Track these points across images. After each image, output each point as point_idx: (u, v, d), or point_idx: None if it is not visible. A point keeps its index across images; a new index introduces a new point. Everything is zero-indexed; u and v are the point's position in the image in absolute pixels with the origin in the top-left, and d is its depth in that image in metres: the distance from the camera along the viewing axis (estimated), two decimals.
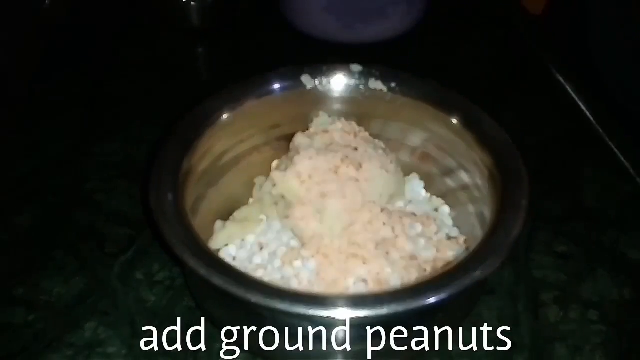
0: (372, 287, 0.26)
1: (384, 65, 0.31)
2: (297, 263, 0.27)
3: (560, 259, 0.32)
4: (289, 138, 0.31)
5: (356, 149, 0.29)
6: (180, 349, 0.28)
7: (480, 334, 0.28)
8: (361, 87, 0.31)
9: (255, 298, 0.21)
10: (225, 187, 0.30)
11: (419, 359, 0.27)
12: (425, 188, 0.32)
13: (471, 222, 0.29)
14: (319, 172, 0.28)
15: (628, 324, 0.29)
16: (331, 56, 0.45)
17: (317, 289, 0.26)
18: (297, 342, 0.25)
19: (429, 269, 0.27)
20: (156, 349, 0.28)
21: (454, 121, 0.29)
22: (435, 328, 0.26)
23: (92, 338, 0.28)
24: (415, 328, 0.25)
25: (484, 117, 0.29)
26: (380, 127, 0.32)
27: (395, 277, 0.26)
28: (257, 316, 0.25)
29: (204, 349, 0.28)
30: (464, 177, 0.30)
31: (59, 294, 0.30)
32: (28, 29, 0.48)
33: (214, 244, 0.28)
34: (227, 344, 0.27)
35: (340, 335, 0.24)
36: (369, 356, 0.25)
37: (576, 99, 0.43)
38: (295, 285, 0.26)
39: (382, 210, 0.28)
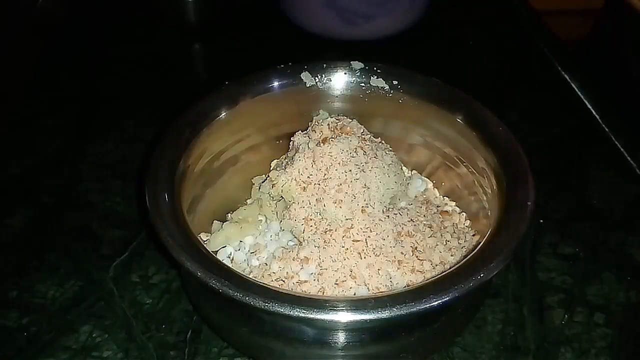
0: (373, 290, 0.25)
1: (385, 62, 0.31)
2: (297, 265, 0.26)
3: (566, 261, 0.32)
4: (288, 137, 0.31)
5: (357, 148, 0.28)
6: (177, 352, 0.27)
7: (484, 337, 0.28)
8: (362, 84, 0.31)
9: (254, 301, 0.21)
10: (222, 187, 0.30)
11: None
12: (428, 187, 0.32)
13: (476, 223, 0.29)
14: (319, 172, 0.27)
15: (634, 327, 0.29)
16: (331, 53, 0.44)
17: (318, 291, 0.25)
18: (296, 345, 0.24)
19: (432, 270, 0.26)
20: (152, 352, 0.27)
21: (458, 120, 0.29)
22: (438, 331, 0.25)
23: (88, 341, 0.28)
24: (417, 331, 0.25)
25: (489, 115, 0.28)
26: (382, 126, 0.32)
27: (398, 278, 0.25)
28: (256, 319, 0.24)
29: (201, 352, 0.27)
30: (469, 176, 0.29)
31: (54, 297, 0.29)
32: (23, 27, 0.48)
33: (211, 246, 0.28)
34: (225, 347, 0.27)
35: (341, 337, 0.24)
36: (370, 358, 0.25)
37: (582, 97, 0.43)
38: (294, 287, 0.25)
39: (384, 210, 0.27)
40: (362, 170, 0.27)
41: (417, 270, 0.26)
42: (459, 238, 0.28)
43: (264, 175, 0.31)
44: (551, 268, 0.31)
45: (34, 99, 0.42)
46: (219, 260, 0.24)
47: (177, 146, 0.27)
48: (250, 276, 0.26)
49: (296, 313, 0.21)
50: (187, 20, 0.48)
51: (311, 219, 0.27)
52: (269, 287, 0.22)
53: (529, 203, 0.24)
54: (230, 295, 0.21)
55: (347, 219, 0.26)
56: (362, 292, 0.25)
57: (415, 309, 0.21)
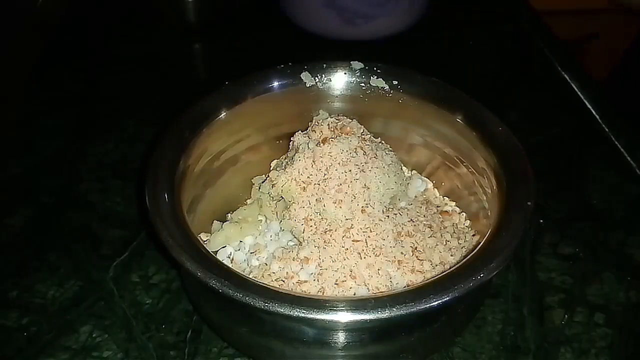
0: (373, 290, 0.25)
1: (385, 62, 0.31)
2: (297, 265, 0.26)
3: (566, 261, 0.32)
4: (288, 137, 0.31)
5: (357, 148, 0.28)
6: (177, 352, 0.27)
7: (484, 337, 0.28)
8: (362, 84, 0.31)
9: (254, 301, 0.21)
10: (222, 187, 0.30)
11: None
12: (428, 187, 0.32)
13: (476, 223, 0.29)
14: (319, 172, 0.27)
15: (634, 327, 0.29)
16: (331, 53, 0.44)
17: (317, 291, 0.25)
18: (296, 345, 0.24)
19: (432, 270, 0.26)
20: (152, 352, 0.27)
21: (458, 120, 0.29)
22: (438, 331, 0.25)
23: (88, 342, 0.28)
24: (417, 331, 0.25)
25: (489, 115, 0.28)
26: (382, 126, 0.32)
27: (398, 278, 0.25)
28: (256, 319, 0.24)
29: (201, 352, 0.27)
30: (469, 176, 0.29)
31: (54, 297, 0.29)
32: (23, 27, 0.48)
33: (211, 246, 0.28)
34: (225, 347, 0.27)
35: (341, 337, 0.24)
36: (370, 358, 0.25)
37: (582, 97, 0.43)
38: (294, 287, 0.25)
39: (384, 211, 0.27)
40: (362, 170, 0.27)
41: (417, 270, 0.26)
42: (459, 238, 0.28)
43: (264, 175, 0.31)
44: (551, 268, 0.31)
45: (34, 99, 0.42)
46: (219, 260, 0.24)
47: (177, 146, 0.27)
48: (250, 276, 0.26)
49: (296, 313, 0.21)
50: (187, 20, 0.48)
51: (311, 219, 0.27)
52: (269, 287, 0.22)
53: (529, 203, 0.24)
54: (230, 295, 0.21)
55: (347, 219, 0.26)
56: (362, 292, 0.25)
57: (415, 309, 0.21)
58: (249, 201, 0.31)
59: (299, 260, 0.26)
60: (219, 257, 0.28)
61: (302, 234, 0.27)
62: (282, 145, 0.31)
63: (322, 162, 0.27)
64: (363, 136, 0.29)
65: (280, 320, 0.24)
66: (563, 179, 0.37)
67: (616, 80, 0.56)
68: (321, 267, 0.26)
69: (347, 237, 0.26)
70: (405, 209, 0.28)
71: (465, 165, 0.29)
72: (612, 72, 0.57)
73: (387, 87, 0.30)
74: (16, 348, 0.27)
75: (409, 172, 0.33)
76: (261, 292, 0.21)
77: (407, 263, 0.26)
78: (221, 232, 0.28)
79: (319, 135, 0.29)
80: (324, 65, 0.31)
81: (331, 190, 0.27)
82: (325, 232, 0.26)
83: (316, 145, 0.28)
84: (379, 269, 0.25)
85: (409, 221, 0.27)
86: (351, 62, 0.31)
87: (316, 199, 0.27)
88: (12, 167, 0.37)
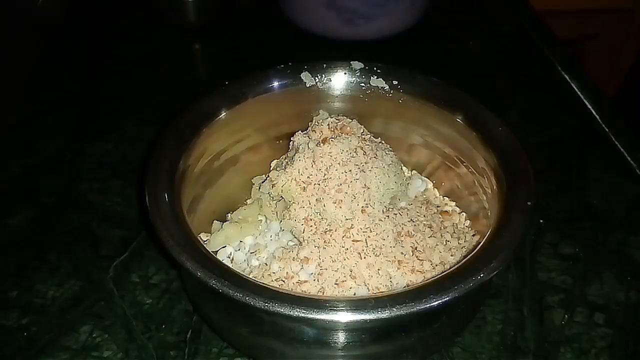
0: (373, 290, 0.25)
1: (385, 62, 0.31)
2: (297, 265, 0.26)
3: (566, 261, 0.32)
4: (288, 137, 0.31)
5: (357, 148, 0.28)
6: (177, 352, 0.27)
7: (484, 337, 0.28)
8: (362, 84, 0.31)
9: (254, 301, 0.21)
10: (222, 187, 0.30)
11: None
12: (428, 187, 0.32)
13: (476, 223, 0.29)
14: (319, 172, 0.27)
15: (634, 327, 0.29)
16: (331, 53, 0.44)
17: (318, 291, 0.25)
18: (296, 345, 0.24)
19: (432, 270, 0.26)
20: (152, 352, 0.27)
21: (458, 120, 0.29)
22: (438, 331, 0.25)
23: (88, 341, 0.28)
24: (417, 331, 0.25)
25: (489, 115, 0.28)
26: (382, 126, 0.32)
27: (398, 278, 0.25)
28: (256, 319, 0.24)
29: (201, 352, 0.27)
30: (469, 176, 0.29)
31: (54, 297, 0.29)
32: (23, 27, 0.48)
33: (211, 246, 0.28)
34: (225, 347, 0.27)
35: (341, 337, 0.24)
36: (370, 358, 0.25)
37: (582, 97, 0.43)
38: (294, 287, 0.25)
39: (384, 211, 0.27)
40: (362, 170, 0.27)
41: (417, 270, 0.26)
42: (459, 238, 0.28)
43: (264, 175, 0.31)
44: (551, 268, 0.31)
45: (34, 99, 0.42)
46: (219, 260, 0.24)
47: (178, 146, 0.27)
48: (250, 276, 0.26)
49: (296, 313, 0.21)
50: (187, 20, 0.48)
51: (311, 219, 0.27)
52: (268, 287, 0.22)
53: (529, 203, 0.24)
54: (230, 295, 0.21)
55: (347, 219, 0.26)
56: (362, 292, 0.25)
57: (415, 309, 0.21)
58: (249, 201, 0.31)
59: (299, 260, 0.26)
60: (219, 257, 0.28)
61: (302, 234, 0.27)
62: (282, 145, 0.31)
63: (322, 162, 0.27)
64: (363, 136, 0.29)
65: (280, 320, 0.24)
66: (563, 179, 0.37)
67: (626, 89, 0.56)
68: (321, 267, 0.26)
69: (347, 237, 0.26)
70: (405, 209, 0.28)
71: (465, 165, 0.29)
72: (623, 83, 0.57)
73: (387, 87, 0.30)
74: (16, 348, 0.27)
75: (409, 172, 0.33)
76: (261, 292, 0.21)
77: (407, 263, 0.26)
78: (221, 232, 0.28)
79: (319, 135, 0.29)
80: (324, 65, 0.31)
81: (331, 190, 0.27)
82: (325, 232, 0.26)
83: (316, 145, 0.28)
84: (379, 269, 0.25)
85: (409, 221, 0.27)
86: (351, 62, 0.31)
87: (316, 199, 0.27)
88: (12, 167, 0.37)
